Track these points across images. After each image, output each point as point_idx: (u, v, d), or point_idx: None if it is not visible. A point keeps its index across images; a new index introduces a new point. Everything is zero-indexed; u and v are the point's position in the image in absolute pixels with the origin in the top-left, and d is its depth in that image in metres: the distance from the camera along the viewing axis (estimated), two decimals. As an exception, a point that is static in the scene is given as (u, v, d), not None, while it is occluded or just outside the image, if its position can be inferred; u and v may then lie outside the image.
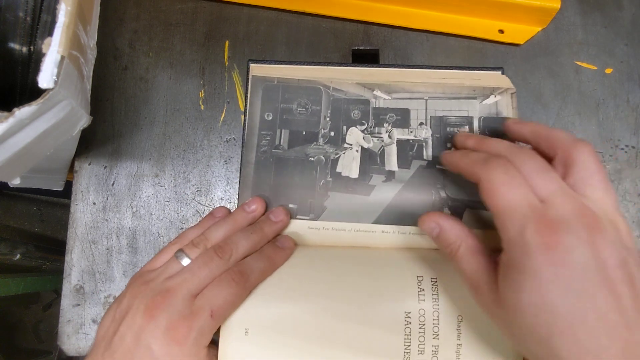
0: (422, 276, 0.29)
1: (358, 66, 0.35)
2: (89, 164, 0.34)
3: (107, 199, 0.34)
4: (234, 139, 0.35)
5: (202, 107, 0.35)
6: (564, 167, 0.25)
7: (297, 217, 0.32)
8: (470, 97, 0.34)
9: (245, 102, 0.34)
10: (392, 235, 0.32)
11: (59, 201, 0.92)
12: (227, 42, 0.36)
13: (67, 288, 0.33)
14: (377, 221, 0.32)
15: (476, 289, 0.25)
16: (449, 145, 0.33)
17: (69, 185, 0.35)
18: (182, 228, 0.34)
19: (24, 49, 0.29)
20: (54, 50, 0.22)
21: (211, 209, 0.33)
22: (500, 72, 0.35)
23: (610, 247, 0.22)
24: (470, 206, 0.32)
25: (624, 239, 0.23)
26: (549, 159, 0.26)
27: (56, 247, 0.85)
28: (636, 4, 0.37)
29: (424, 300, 0.28)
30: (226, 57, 0.36)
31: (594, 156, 0.24)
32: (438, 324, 0.28)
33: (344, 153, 0.33)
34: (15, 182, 0.30)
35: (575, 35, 0.36)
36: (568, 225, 0.22)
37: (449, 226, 0.27)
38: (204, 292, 0.27)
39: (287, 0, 0.36)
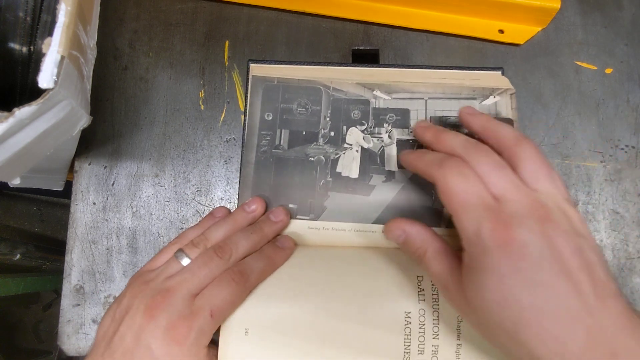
0: (422, 276, 0.29)
1: (358, 66, 0.35)
2: (89, 164, 0.34)
3: (107, 199, 0.34)
4: (234, 139, 0.35)
5: (202, 107, 0.35)
6: (512, 164, 0.25)
7: (297, 217, 0.32)
8: (469, 97, 0.34)
9: (245, 102, 0.34)
10: (392, 235, 0.31)
11: (59, 201, 0.92)
12: (227, 42, 0.36)
13: (67, 288, 0.33)
14: (377, 221, 0.32)
15: (446, 289, 0.25)
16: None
17: (69, 185, 0.35)
18: (182, 228, 0.34)
19: (24, 49, 0.29)
20: (54, 50, 0.22)
21: (211, 209, 0.34)
22: (500, 72, 0.35)
23: (563, 236, 0.22)
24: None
25: (577, 227, 0.23)
26: (498, 154, 0.26)
27: (56, 247, 0.85)
28: (636, 4, 0.37)
29: (424, 300, 0.28)
30: (226, 57, 0.36)
31: (538, 152, 0.25)
32: (438, 324, 0.28)
33: (344, 153, 0.33)
34: (15, 182, 0.30)
35: (575, 35, 0.36)
36: (521, 220, 0.22)
37: (415, 231, 0.27)
38: (204, 292, 0.27)
39: (287, 0, 0.36)
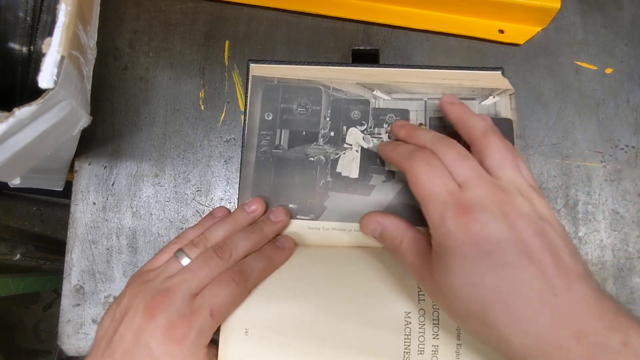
0: (422, 276, 0.29)
1: (358, 66, 0.35)
2: (89, 164, 0.34)
3: (107, 199, 0.34)
4: (234, 139, 0.35)
5: (202, 107, 0.35)
6: (479, 154, 0.26)
7: (297, 217, 0.32)
8: (469, 97, 0.34)
9: (245, 102, 0.34)
10: (392, 235, 0.31)
11: (59, 201, 0.92)
12: (227, 42, 0.36)
13: (67, 288, 0.33)
14: (377, 221, 0.32)
15: (420, 278, 0.26)
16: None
17: (69, 185, 0.35)
18: (182, 228, 0.34)
19: (24, 49, 0.29)
20: (54, 50, 0.22)
21: (211, 209, 0.34)
22: (500, 72, 0.35)
23: (525, 219, 0.23)
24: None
25: (539, 211, 0.24)
26: (469, 144, 0.28)
27: (56, 247, 0.85)
28: (636, 4, 0.37)
29: (424, 300, 0.28)
30: (226, 57, 0.36)
31: (503, 142, 0.26)
32: (438, 324, 0.28)
33: (344, 153, 0.33)
34: (15, 182, 0.30)
35: (575, 35, 0.36)
36: (482, 204, 0.23)
37: (390, 222, 0.28)
38: (204, 291, 0.27)
39: (287, 0, 0.36)
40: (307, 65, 0.35)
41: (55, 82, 0.21)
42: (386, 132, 0.33)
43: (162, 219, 0.34)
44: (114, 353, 0.25)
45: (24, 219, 0.91)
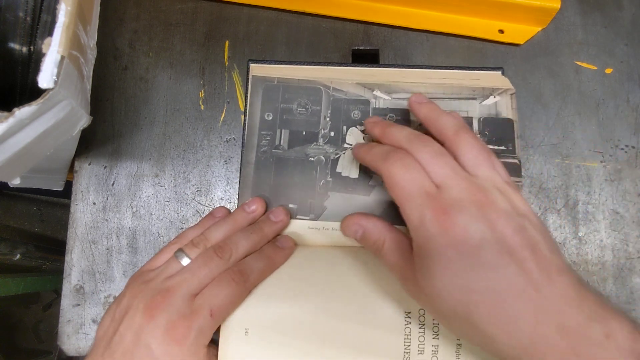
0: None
1: (358, 66, 0.35)
2: (89, 164, 0.34)
3: (107, 199, 0.34)
4: (234, 139, 0.35)
5: (202, 107, 0.35)
6: (452, 153, 0.26)
7: (297, 217, 0.32)
8: (469, 97, 0.34)
9: (245, 102, 0.34)
10: (392, 235, 0.31)
11: (59, 201, 0.92)
12: (227, 42, 0.36)
13: (67, 288, 0.33)
14: (377, 221, 0.32)
15: (404, 280, 0.25)
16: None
17: (69, 185, 0.35)
18: (182, 228, 0.34)
19: (24, 49, 0.29)
20: (54, 50, 0.22)
21: (211, 209, 0.34)
22: (500, 72, 0.35)
23: (504, 217, 0.23)
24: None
25: (517, 208, 0.24)
26: (441, 143, 0.27)
27: (56, 247, 0.85)
28: (636, 4, 0.37)
29: (423, 300, 0.28)
30: (226, 57, 0.36)
31: (476, 140, 0.26)
32: (438, 324, 0.28)
33: (344, 153, 0.33)
34: (15, 182, 0.30)
35: (575, 35, 0.36)
36: (461, 205, 0.23)
37: (371, 224, 0.27)
38: (204, 291, 0.27)
39: (287, 0, 0.36)
40: (307, 65, 0.35)
41: (55, 82, 0.21)
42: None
43: (162, 219, 0.34)
44: (114, 353, 0.25)
45: (24, 219, 0.91)
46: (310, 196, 0.32)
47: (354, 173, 0.33)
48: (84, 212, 0.34)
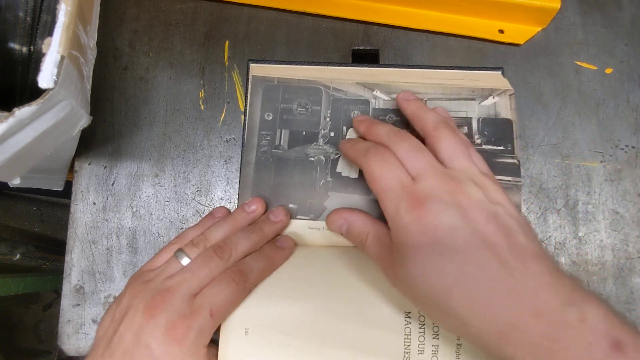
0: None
1: (358, 66, 0.35)
2: (89, 164, 0.34)
3: (107, 199, 0.34)
4: (234, 139, 0.35)
5: (202, 107, 0.35)
6: (432, 148, 0.27)
7: (297, 217, 0.32)
8: (469, 98, 0.34)
9: (245, 102, 0.34)
10: (392, 235, 0.31)
11: (59, 201, 0.92)
12: (227, 42, 0.36)
13: (67, 288, 0.33)
14: (377, 221, 0.32)
15: (385, 270, 0.26)
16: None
17: (69, 185, 0.35)
18: (182, 228, 0.34)
19: (24, 49, 0.29)
20: (54, 50, 0.22)
21: (211, 209, 0.34)
22: (500, 72, 0.35)
23: (476, 205, 0.24)
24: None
25: (491, 196, 0.25)
26: (424, 138, 0.28)
27: (56, 247, 0.85)
28: (636, 4, 0.37)
29: (423, 300, 0.28)
30: (226, 57, 0.36)
31: (454, 134, 0.27)
32: (438, 324, 0.28)
33: (344, 153, 0.33)
34: (15, 182, 0.30)
35: (575, 35, 0.36)
36: (434, 195, 0.24)
37: (355, 218, 0.28)
38: (204, 291, 0.27)
39: (287, 0, 0.36)
40: (307, 65, 0.35)
41: (55, 82, 0.21)
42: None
43: (162, 219, 0.34)
44: (114, 353, 0.25)
45: (24, 219, 0.91)
46: (310, 196, 0.32)
47: (354, 173, 0.33)
48: (84, 212, 0.34)
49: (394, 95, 0.34)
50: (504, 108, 0.33)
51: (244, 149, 0.33)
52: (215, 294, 0.26)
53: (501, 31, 0.36)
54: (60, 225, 0.92)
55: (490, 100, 0.34)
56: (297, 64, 0.35)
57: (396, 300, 0.28)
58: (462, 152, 0.26)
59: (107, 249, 0.33)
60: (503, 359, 0.21)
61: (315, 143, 0.33)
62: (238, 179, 0.34)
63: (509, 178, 0.32)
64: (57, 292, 0.92)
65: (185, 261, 0.28)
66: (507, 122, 0.33)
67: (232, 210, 0.33)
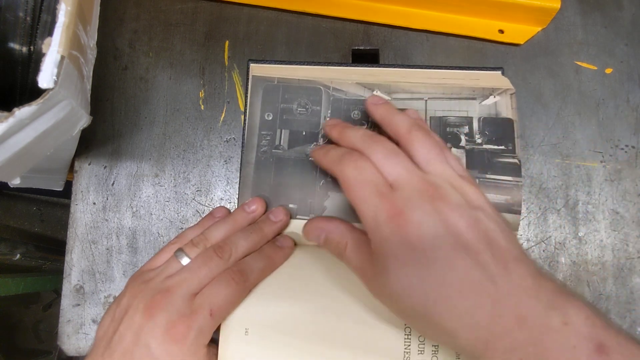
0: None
1: (358, 66, 0.35)
2: (89, 164, 0.34)
3: (107, 199, 0.34)
4: (234, 139, 0.35)
5: (202, 107, 0.35)
6: (406, 152, 0.26)
7: (297, 217, 0.32)
8: (469, 97, 0.34)
9: (245, 102, 0.34)
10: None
11: (59, 201, 0.92)
12: (227, 42, 0.36)
13: (67, 288, 0.33)
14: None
15: (366, 281, 0.25)
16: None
17: (69, 185, 0.35)
18: (182, 228, 0.34)
19: (24, 49, 0.29)
20: (54, 50, 0.22)
21: (211, 209, 0.34)
22: (500, 72, 0.35)
23: (457, 211, 0.23)
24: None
25: (471, 201, 0.24)
26: (397, 142, 0.27)
27: (56, 247, 0.85)
28: (636, 4, 0.37)
29: (423, 300, 0.28)
30: (226, 57, 0.36)
31: (428, 136, 0.26)
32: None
33: (344, 153, 0.33)
34: (15, 182, 0.30)
35: (575, 35, 0.36)
36: (413, 202, 0.23)
37: (333, 227, 0.27)
38: (203, 291, 0.27)
39: (287, 0, 0.36)
40: (307, 65, 0.35)
41: (55, 82, 0.21)
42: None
43: (162, 219, 0.34)
44: (114, 353, 0.25)
45: (24, 219, 0.91)
46: (310, 196, 0.32)
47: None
48: (84, 212, 0.34)
49: (394, 95, 0.34)
50: (505, 107, 0.33)
51: (244, 149, 0.33)
52: (215, 293, 0.26)
53: (501, 31, 0.36)
54: (60, 225, 0.92)
55: (491, 100, 0.34)
56: (297, 64, 0.35)
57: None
58: (438, 155, 0.26)
59: (107, 249, 0.33)
60: None
61: (315, 143, 0.33)
62: (238, 179, 0.34)
63: (510, 178, 0.32)
64: (57, 292, 0.92)
65: (185, 261, 0.28)
66: (508, 122, 0.33)
67: (232, 210, 0.33)
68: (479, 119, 0.33)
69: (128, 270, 0.33)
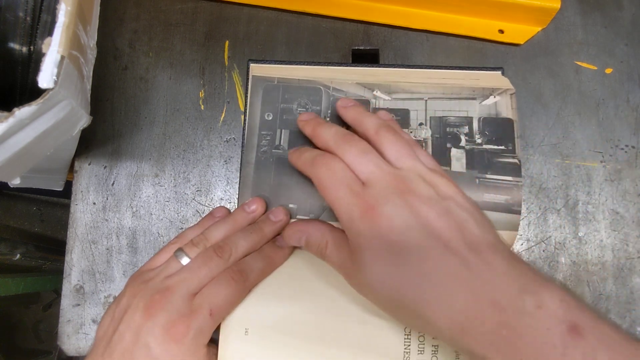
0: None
1: (358, 66, 0.35)
2: (89, 164, 0.34)
3: (107, 199, 0.34)
4: (234, 139, 0.35)
5: (202, 107, 0.35)
6: (377, 151, 0.27)
7: (297, 217, 0.32)
8: (469, 97, 0.34)
9: (245, 102, 0.34)
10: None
11: (59, 201, 0.92)
12: (227, 42, 0.36)
13: (67, 288, 0.33)
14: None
15: (348, 277, 0.26)
16: (446, 144, 0.33)
17: (69, 185, 0.35)
18: (182, 228, 0.34)
19: (24, 49, 0.29)
20: (54, 50, 0.22)
21: (211, 209, 0.34)
22: (500, 72, 0.35)
23: (427, 203, 0.24)
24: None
25: (442, 192, 0.25)
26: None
27: (56, 247, 0.85)
28: (636, 4, 0.37)
29: (423, 300, 0.28)
30: (226, 57, 0.36)
31: (396, 136, 0.27)
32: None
33: (344, 153, 0.33)
34: (15, 182, 0.30)
35: (575, 35, 0.36)
36: (384, 197, 0.24)
37: (312, 229, 0.28)
38: (203, 290, 0.27)
39: (287, 0, 0.36)
40: (307, 65, 0.35)
41: (55, 82, 0.21)
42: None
43: (162, 219, 0.34)
44: (113, 352, 0.25)
45: (24, 219, 0.91)
46: (310, 196, 0.32)
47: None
48: (84, 212, 0.34)
49: (394, 95, 0.34)
50: (505, 107, 0.33)
51: (244, 149, 0.33)
52: (214, 293, 0.26)
53: (501, 31, 0.36)
54: (60, 225, 0.92)
55: (491, 100, 0.34)
56: (297, 64, 0.35)
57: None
58: (407, 152, 0.26)
59: (107, 249, 0.33)
60: (468, 352, 0.21)
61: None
62: (238, 179, 0.34)
63: (510, 178, 0.32)
64: (57, 292, 0.92)
65: (185, 261, 0.28)
66: (508, 122, 0.33)
67: (232, 210, 0.33)
68: (479, 119, 0.33)
69: (128, 270, 0.33)
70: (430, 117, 0.34)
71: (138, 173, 0.34)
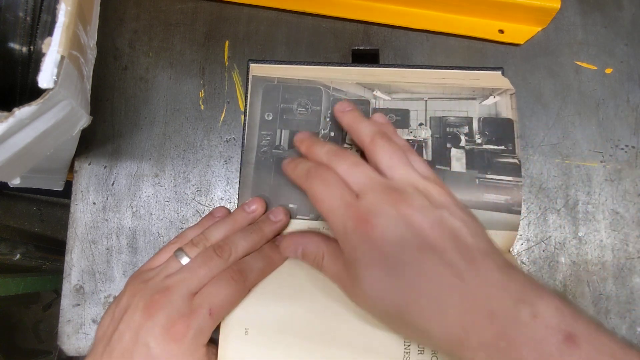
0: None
1: (358, 66, 0.35)
2: (89, 164, 0.34)
3: (107, 199, 0.34)
4: (234, 139, 0.35)
5: (202, 107, 0.35)
6: (371, 160, 0.27)
7: (297, 217, 0.32)
8: (469, 97, 0.34)
9: (245, 102, 0.34)
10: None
11: (59, 201, 0.92)
12: (227, 42, 0.36)
13: (67, 288, 0.33)
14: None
15: (345, 289, 0.26)
16: (446, 145, 0.33)
17: (69, 185, 0.35)
18: (182, 228, 0.34)
19: (24, 49, 0.29)
20: (54, 50, 0.22)
21: (211, 209, 0.34)
22: (500, 72, 0.35)
23: (420, 212, 0.23)
24: (471, 207, 0.32)
25: (435, 201, 0.25)
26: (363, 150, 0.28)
27: (56, 247, 0.85)
28: (636, 4, 0.37)
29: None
30: (226, 57, 0.36)
31: (390, 143, 0.27)
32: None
33: (344, 153, 0.33)
34: (15, 182, 0.30)
35: (575, 35, 0.36)
36: (377, 209, 0.24)
37: (309, 241, 0.28)
38: (203, 290, 0.27)
39: (287, 0, 0.36)
40: (307, 65, 0.35)
41: (55, 82, 0.21)
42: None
43: (162, 219, 0.34)
44: (113, 352, 0.25)
45: (24, 219, 0.91)
46: (310, 196, 0.32)
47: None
48: (84, 212, 0.34)
49: (394, 95, 0.34)
50: (505, 107, 0.33)
51: (244, 149, 0.33)
52: (214, 293, 0.27)
53: (501, 31, 0.36)
54: (60, 225, 0.92)
55: (491, 100, 0.34)
56: (297, 64, 0.35)
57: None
58: (400, 160, 0.26)
59: (107, 249, 0.33)
60: None
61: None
62: (238, 179, 0.34)
63: (510, 178, 0.32)
64: (57, 292, 0.92)
65: (184, 260, 0.28)
66: (508, 122, 0.33)
67: (232, 210, 0.33)
68: (479, 119, 0.33)
69: (128, 270, 0.33)
70: (430, 117, 0.34)
71: (138, 173, 0.34)
